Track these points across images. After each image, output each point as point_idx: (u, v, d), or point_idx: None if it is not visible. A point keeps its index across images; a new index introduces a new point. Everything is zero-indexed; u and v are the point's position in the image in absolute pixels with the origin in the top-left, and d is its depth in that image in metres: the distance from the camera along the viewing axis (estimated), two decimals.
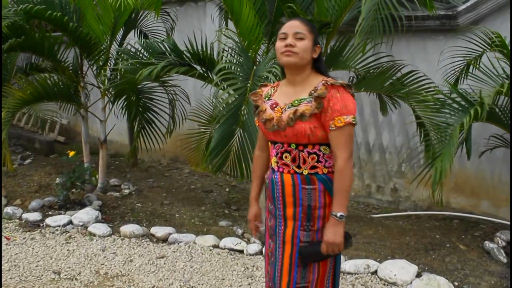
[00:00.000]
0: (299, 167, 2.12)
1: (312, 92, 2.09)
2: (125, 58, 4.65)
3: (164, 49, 4.46)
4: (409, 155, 5.56)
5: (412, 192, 5.56)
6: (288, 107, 2.13)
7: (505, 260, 4.01)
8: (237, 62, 3.74)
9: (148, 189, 5.93)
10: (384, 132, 5.70)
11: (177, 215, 5.09)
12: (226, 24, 4.80)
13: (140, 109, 5.21)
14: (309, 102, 2.08)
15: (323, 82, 2.09)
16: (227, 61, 3.82)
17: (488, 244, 4.21)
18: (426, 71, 4.62)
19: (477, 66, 3.93)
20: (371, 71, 4.62)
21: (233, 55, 4.18)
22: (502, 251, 4.11)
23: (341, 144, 2.06)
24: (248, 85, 3.51)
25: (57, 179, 5.69)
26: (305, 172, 2.11)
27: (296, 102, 2.12)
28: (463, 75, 4.56)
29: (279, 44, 2.14)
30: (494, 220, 4.92)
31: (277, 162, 2.18)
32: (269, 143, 2.27)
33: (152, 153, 6.31)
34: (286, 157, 2.15)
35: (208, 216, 5.10)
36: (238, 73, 3.62)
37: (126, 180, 6.24)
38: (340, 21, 4.01)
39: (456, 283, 3.57)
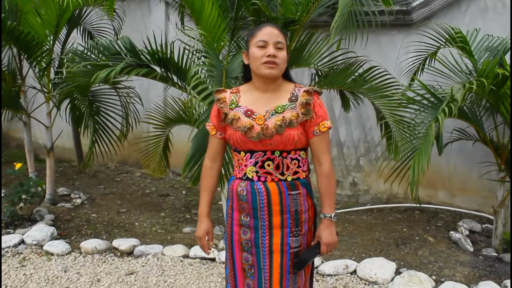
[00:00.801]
0: (282, 174, 2.10)
1: (293, 98, 2.09)
2: (76, 59, 4.25)
3: (119, 49, 4.12)
4: (367, 149, 5.59)
5: (371, 185, 5.59)
6: (272, 114, 2.08)
7: (471, 249, 4.10)
8: (206, 63, 3.49)
9: (100, 197, 5.55)
10: (341, 128, 5.67)
11: (136, 223, 4.79)
12: (182, 22, 4.52)
13: (93, 112, 4.82)
14: (293, 109, 2.07)
15: (305, 89, 2.11)
16: (200, 63, 3.56)
17: (454, 235, 4.29)
18: (381, 65, 4.61)
19: (440, 61, 3.95)
20: (334, 68, 4.54)
21: (196, 55, 3.93)
22: (468, 240, 4.20)
23: (325, 149, 2.12)
24: (222, 86, 3.29)
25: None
26: (289, 179, 2.11)
27: (279, 108, 2.09)
28: (420, 70, 4.60)
29: (259, 53, 2.07)
30: (451, 209, 5.06)
31: (257, 172, 2.12)
32: (237, 152, 2.18)
33: (98, 156, 5.91)
34: (268, 165, 2.10)
35: (169, 222, 4.84)
36: (209, 76, 3.38)
37: (75, 188, 5.81)
38: (306, 18, 3.88)
39: (433, 277, 3.59)
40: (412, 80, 4.37)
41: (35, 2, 4.74)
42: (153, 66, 4.11)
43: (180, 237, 4.44)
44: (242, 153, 2.15)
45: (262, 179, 2.11)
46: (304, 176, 2.15)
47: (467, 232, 4.41)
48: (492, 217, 4.75)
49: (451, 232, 4.37)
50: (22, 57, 4.92)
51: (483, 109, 4.02)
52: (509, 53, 4.02)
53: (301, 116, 2.07)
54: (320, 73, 4.74)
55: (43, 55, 4.77)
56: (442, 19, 4.97)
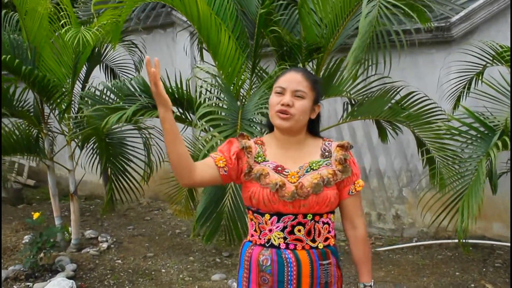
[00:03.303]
0: (314, 241, 1.83)
1: (326, 154, 1.87)
2: (89, 102, 3.98)
3: (133, 89, 3.82)
4: (410, 178, 5.04)
5: (416, 218, 5.03)
6: (306, 171, 1.82)
7: None
8: (221, 105, 3.12)
9: (128, 239, 5.24)
10: (380, 156, 5.16)
11: (163, 270, 4.42)
12: (201, 56, 4.19)
13: (111, 156, 4.52)
14: (328, 166, 1.84)
15: (338, 144, 1.90)
16: (213, 104, 3.18)
17: None
18: (419, 88, 4.09)
19: (488, 83, 3.41)
20: (369, 95, 4.07)
21: (212, 92, 3.57)
22: None
23: (360, 210, 1.91)
24: (237, 129, 2.91)
25: (25, 238, 4.97)
26: (321, 246, 1.84)
27: (314, 165, 1.84)
28: (464, 93, 4.06)
29: (275, 100, 1.83)
30: (510, 244, 4.44)
31: (285, 238, 1.81)
32: (259, 215, 1.84)
33: (127, 195, 5.63)
34: (299, 230, 1.81)
35: (198, 267, 4.45)
36: (223, 117, 3.00)
37: (103, 230, 5.53)
38: (332, 44, 3.44)
39: None
40: (455, 106, 3.84)
41: (52, 44, 4.54)
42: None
43: (209, 286, 4.04)
44: (267, 216, 1.83)
45: (291, 246, 1.82)
46: (333, 242, 1.89)
47: None
48: None
49: None
50: (42, 100, 4.72)
51: None
52: None
53: (338, 174, 1.83)
54: (353, 102, 4.28)
55: (62, 97, 4.54)
56: (486, 33, 4.43)
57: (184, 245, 5.06)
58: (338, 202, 1.86)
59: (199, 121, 2.86)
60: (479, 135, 3.11)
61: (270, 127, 1.94)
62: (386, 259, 4.41)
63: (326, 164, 1.83)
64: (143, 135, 4.73)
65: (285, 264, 1.80)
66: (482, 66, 3.89)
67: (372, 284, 1.88)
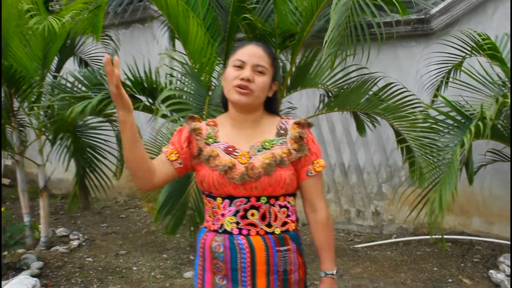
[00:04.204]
0: (269, 225, 1.68)
1: (282, 132, 1.72)
2: (55, 92, 3.79)
3: (101, 78, 3.63)
4: (389, 174, 4.91)
5: (395, 214, 4.89)
6: (258, 151, 1.67)
7: None
8: (187, 90, 2.96)
9: (101, 237, 5.03)
10: (359, 151, 5.02)
11: (134, 268, 4.23)
12: (174, 45, 4.02)
13: (81, 150, 4.32)
14: (282, 145, 1.68)
15: (295, 121, 1.74)
16: (176, 87, 3.01)
17: (495, 275, 3.56)
18: (400, 81, 3.96)
19: (468, 72, 3.29)
20: (345, 87, 3.93)
21: (182, 81, 3.40)
22: None
23: (320, 192, 1.75)
24: (204, 116, 2.74)
25: None
26: (277, 231, 1.68)
27: (267, 144, 1.69)
28: (443, 84, 3.94)
29: (233, 74, 1.67)
30: (489, 240, 4.32)
31: (238, 223, 1.67)
32: (211, 198, 1.71)
33: (106, 190, 5.43)
34: (252, 214, 1.66)
35: (171, 265, 4.26)
36: (189, 102, 2.83)
37: (76, 228, 5.32)
38: (306, 31, 3.29)
39: None
40: (435, 96, 3.71)
41: (21, 34, 4.34)
42: (139, 96, 3.61)
43: (180, 284, 3.86)
44: (219, 200, 1.69)
45: (244, 232, 1.67)
46: (293, 227, 1.73)
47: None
48: None
49: (491, 271, 3.63)
50: (10, 92, 4.51)
51: None
52: None
53: (293, 153, 1.68)
54: (330, 94, 4.14)
55: (30, 88, 4.34)
56: (466, 25, 4.30)
57: (158, 243, 4.86)
58: (297, 183, 1.72)
59: (162, 106, 2.67)
60: (456, 124, 2.98)
61: (225, 106, 1.78)
62: (364, 256, 4.27)
63: (280, 143, 1.69)
64: (116, 128, 4.53)
65: (238, 250, 1.66)
66: (461, 58, 3.78)
67: (334, 273, 1.72)
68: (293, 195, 1.74)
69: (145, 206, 5.25)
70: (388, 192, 4.92)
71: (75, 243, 4.74)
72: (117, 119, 4.48)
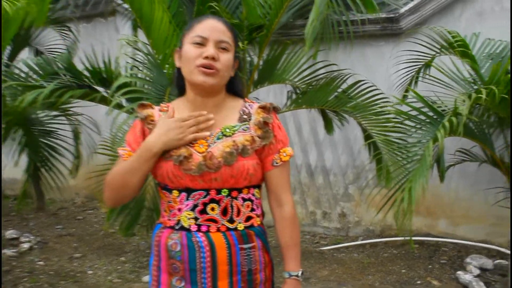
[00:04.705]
0: (231, 221, 1.49)
1: (245, 117, 1.52)
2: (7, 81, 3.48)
3: (56, 68, 3.36)
4: (356, 175, 4.80)
5: (362, 216, 4.78)
6: (218, 138, 1.48)
7: None
8: (147, 78, 2.74)
9: (55, 240, 4.70)
10: (326, 152, 4.89)
11: (90, 272, 3.94)
12: (136, 36, 3.79)
13: (33, 146, 4.01)
14: (246, 131, 1.50)
15: (260, 105, 1.54)
16: (133, 74, 2.79)
17: (462, 276, 3.48)
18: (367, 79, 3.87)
19: (439, 68, 3.20)
20: (313, 84, 3.79)
21: (142, 69, 3.17)
22: (481, 283, 3.37)
23: (287, 184, 1.57)
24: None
25: None
26: (241, 227, 1.50)
27: (227, 130, 1.50)
28: (414, 81, 3.86)
29: (194, 52, 1.46)
30: (454, 241, 4.26)
31: (196, 218, 1.47)
32: (167, 191, 1.51)
33: (63, 192, 5.10)
34: (212, 209, 1.47)
35: (129, 269, 4.00)
36: (147, 91, 2.61)
37: (28, 230, 4.96)
38: (275, 23, 3.13)
39: None
40: (406, 91, 3.62)
41: None
42: (97, 87, 3.36)
43: None
44: (175, 193, 1.49)
45: (204, 228, 1.47)
46: (258, 222, 1.55)
47: (478, 271, 3.60)
48: (502, 249, 3.96)
49: (459, 272, 3.55)
50: None
51: (491, 126, 3.25)
52: None
53: (257, 140, 1.49)
54: (297, 91, 3.99)
55: None
56: (435, 25, 4.26)
57: (116, 245, 4.58)
58: (262, 174, 1.53)
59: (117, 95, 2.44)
60: (428, 120, 2.87)
61: (180, 89, 1.58)
62: (330, 258, 4.13)
63: (243, 129, 1.50)
64: (72, 122, 4.24)
65: (197, 249, 1.46)
66: (431, 56, 3.70)
67: (299, 274, 1.53)
68: (258, 186, 1.56)
69: (104, 207, 4.97)
70: (355, 193, 4.81)
71: (25, 246, 4.40)
72: (73, 113, 4.24)
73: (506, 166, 3.21)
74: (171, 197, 1.50)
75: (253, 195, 1.52)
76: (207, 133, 1.48)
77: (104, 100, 3.27)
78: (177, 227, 1.49)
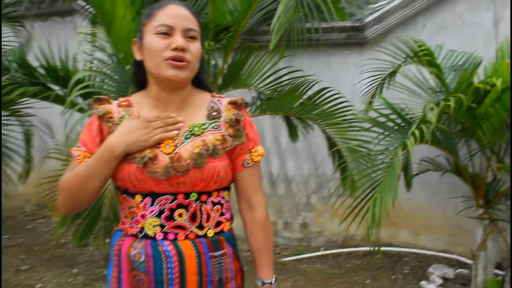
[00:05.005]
0: (201, 227, 1.37)
1: (214, 114, 1.40)
2: None
3: (7, 63, 3.12)
4: (319, 184, 4.73)
5: (324, 226, 4.71)
6: (186, 138, 1.35)
7: None
8: (108, 74, 2.56)
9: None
10: (288, 161, 4.81)
11: (38, 285, 3.67)
12: (94, 34, 3.58)
13: None
14: (216, 130, 1.38)
15: (231, 100, 1.43)
16: (91, 68, 2.60)
17: (426, 285, 3.45)
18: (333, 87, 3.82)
19: (407, 77, 3.19)
20: (278, 89, 3.70)
21: (102, 68, 2.98)
22: None
23: (258, 185, 1.47)
24: None
25: None
26: (211, 233, 1.39)
27: (196, 129, 1.37)
28: (380, 90, 3.83)
29: (160, 44, 1.32)
30: (416, 251, 4.24)
31: (162, 226, 1.34)
32: (128, 196, 1.37)
33: (11, 199, 4.77)
34: (180, 215, 1.35)
35: (81, 281, 3.76)
36: (108, 89, 2.43)
37: None
38: (243, 24, 3.02)
39: None
40: (373, 96, 3.58)
41: None
42: (52, 85, 3.14)
43: None
44: (138, 198, 1.35)
45: (171, 236, 1.35)
46: (228, 227, 1.45)
47: (440, 281, 3.58)
48: (462, 259, 3.98)
49: (422, 282, 3.53)
50: None
51: (456, 136, 3.25)
52: (482, 68, 3.30)
53: (229, 139, 1.38)
54: (262, 98, 3.89)
55: None
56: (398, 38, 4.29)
57: (69, 256, 4.30)
58: (232, 175, 1.42)
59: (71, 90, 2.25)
60: (396, 127, 2.82)
61: (140, 84, 1.43)
62: (293, 269, 4.01)
63: (213, 127, 1.38)
64: (24, 124, 3.96)
65: (163, 259, 1.34)
66: (397, 65, 3.69)
67: (273, 281, 1.44)
68: (228, 188, 1.45)
69: (56, 216, 4.68)
70: (317, 203, 4.74)
71: None
72: (24, 113, 3.95)
73: (471, 175, 3.21)
74: (134, 202, 1.35)
75: (223, 198, 1.42)
76: (175, 132, 1.34)
77: (59, 100, 3.05)
78: (140, 235, 1.35)
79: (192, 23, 1.35)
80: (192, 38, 1.34)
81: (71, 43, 5.49)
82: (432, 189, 4.14)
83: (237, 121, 1.39)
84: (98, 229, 2.65)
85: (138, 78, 1.44)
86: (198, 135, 1.36)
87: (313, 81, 3.70)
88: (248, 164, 1.41)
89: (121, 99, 1.45)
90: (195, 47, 1.35)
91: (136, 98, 1.42)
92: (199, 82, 1.45)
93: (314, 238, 4.74)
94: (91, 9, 4.48)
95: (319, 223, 4.72)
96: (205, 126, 1.37)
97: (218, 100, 1.44)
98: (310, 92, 3.70)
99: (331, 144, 3.74)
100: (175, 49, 1.30)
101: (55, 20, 5.69)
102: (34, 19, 5.36)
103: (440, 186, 4.09)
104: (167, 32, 1.31)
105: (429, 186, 4.17)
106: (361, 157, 3.22)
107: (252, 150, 1.42)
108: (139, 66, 1.40)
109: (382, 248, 4.25)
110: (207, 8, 3.34)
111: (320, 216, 4.71)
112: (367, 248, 4.27)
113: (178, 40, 1.31)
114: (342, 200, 3.32)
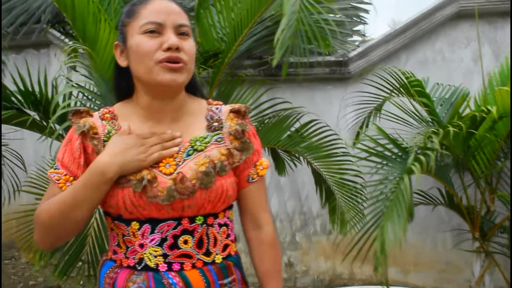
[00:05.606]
0: (208, 253, 1.21)
1: (214, 125, 1.23)
2: None
3: None
4: (304, 221, 4.54)
5: (309, 265, 4.49)
6: (188, 155, 1.18)
7: None
8: (92, 89, 2.38)
9: None
10: (272, 197, 4.62)
11: None
12: (75, 57, 3.40)
13: None
14: (219, 143, 1.22)
15: (232, 108, 1.27)
16: (77, 84, 2.41)
17: None
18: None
19: (399, 106, 3.13)
20: (265, 121, 3.57)
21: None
22: None
23: (264, 201, 1.34)
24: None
25: None
26: (218, 259, 1.23)
27: (198, 144, 1.20)
28: (368, 121, 3.75)
29: (150, 44, 1.14)
30: None
31: (165, 255, 1.16)
32: (122, 223, 1.17)
33: None
34: (186, 242, 1.17)
35: None
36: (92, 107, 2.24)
37: None
38: (233, 50, 2.90)
39: None
40: (361, 128, 3.49)
41: None
42: (28, 111, 2.91)
43: None
44: (134, 225, 1.16)
45: (176, 267, 1.17)
46: (235, 250, 1.32)
47: None
48: None
49: None
50: None
51: (450, 167, 3.17)
52: (472, 101, 3.26)
53: (236, 154, 1.22)
54: None
55: None
56: (381, 71, 4.27)
57: None
58: (237, 192, 1.28)
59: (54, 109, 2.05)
60: (393, 156, 2.70)
61: (124, 93, 1.25)
62: None
63: (216, 140, 1.22)
64: None
65: None
66: (384, 98, 3.63)
67: None
68: (231, 207, 1.30)
69: (26, 256, 4.32)
70: (302, 241, 4.54)
71: None
72: None
73: (466, 207, 3.10)
74: (129, 230, 1.15)
75: (228, 218, 1.27)
76: (175, 149, 1.16)
77: (36, 126, 2.82)
78: (139, 267, 1.15)
79: (183, 18, 1.19)
80: (185, 35, 1.18)
81: (47, 73, 5.33)
82: (420, 224, 4.02)
83: (243, 132, 1.23)
84: (80, 265, 2.37)
85: (120, 87, 1.26)
86: (201, 150, 1.19)
87: (300, 113, 3.59)
88: (253, 179, 1.27)
89: (104, 110, 1.25)
90: (189, 45, 1.18)
91: (121, 109, 1.24)
92: (192, 87, 1.28)
93: (300, 278, 4.50)
94: (67, 40, 4.34)
95: (304, 262, 4.51)
96: (207, 140, 1.21)
97: (217, 108, 1.28)
98: (297, 125, 3.59)
99: (319, 179, 3.59)
100: (169, 49, 1.13)
101: (30, 52, 5.48)
102: (8, 51, 5.15)
103: (428, 220, 3.98)
104: (156, 30, 1.15)
105: (417, 220, 4.04)
106: (354, 189, 3.09)
107: (257, 163, 1.28)
108: (122, 73, 1.22)
109: (372, 287, 4.09)
110: (195, 33, 3.23)
111: (306, 255, 4.50)
112: (356, 287, 4.08)
113: (171, 38, 1.14)
114: (327, 238, 3.14)
